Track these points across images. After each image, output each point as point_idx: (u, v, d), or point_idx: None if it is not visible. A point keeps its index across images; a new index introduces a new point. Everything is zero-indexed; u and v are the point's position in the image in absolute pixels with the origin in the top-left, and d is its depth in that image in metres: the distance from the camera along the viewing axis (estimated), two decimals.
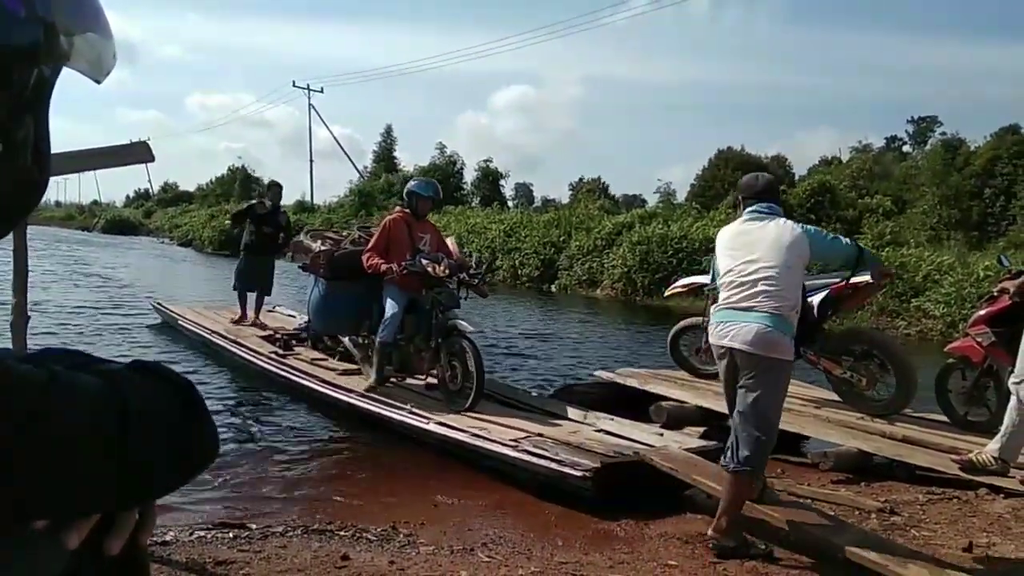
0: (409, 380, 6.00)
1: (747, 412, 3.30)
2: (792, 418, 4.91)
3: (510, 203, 37.13)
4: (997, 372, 4.80)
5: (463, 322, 5.38)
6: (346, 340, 6.49)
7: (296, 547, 3.28)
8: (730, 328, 3.35)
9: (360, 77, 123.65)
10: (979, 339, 4.81)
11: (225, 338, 7.72)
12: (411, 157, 48.26)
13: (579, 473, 4.00)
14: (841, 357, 5.27)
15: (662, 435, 4.85)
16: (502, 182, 38.22)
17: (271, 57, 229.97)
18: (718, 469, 3.77)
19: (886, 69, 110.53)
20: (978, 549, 3.40)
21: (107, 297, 12.89)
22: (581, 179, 42.89)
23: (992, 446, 4.07)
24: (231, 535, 3.37)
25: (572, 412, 5.34)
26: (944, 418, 5.22)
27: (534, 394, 6.29)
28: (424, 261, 5.44)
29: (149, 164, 3.20)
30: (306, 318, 7.66)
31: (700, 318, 6.20)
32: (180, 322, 8.92)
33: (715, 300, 3.62)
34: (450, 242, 6.08)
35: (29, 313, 2.60)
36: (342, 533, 3.52)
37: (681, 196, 35.11)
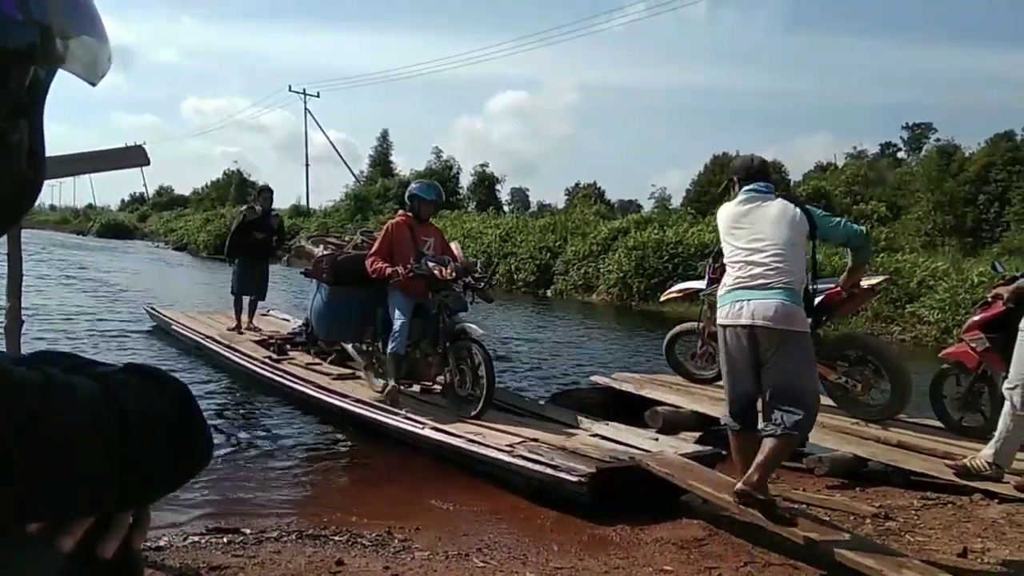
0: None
1: (783, 385, 3.33)
2: None
3: (506, 208, 37.18)
4: (991, 378, 4.81)
5: (472, 325, 5.31)
6: (349, 347, 6.39)
7: (290, 552, 3.27)
8: (748, 306, 3.36)
9: (356, 82, 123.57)
10: (973, 345, 4.82)
11: (219, 343, 7.70)
12: (407, 162, 48.20)
13: (575, 478, 3.99)
14: (836, 363, 5.28)
15: (658, 440, 4.85)
16: (498, 187, 38.42)
17: (267, 62, 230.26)
18: (714, 474, 3.76)
19: (882, 75, 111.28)
20: (973, 554, 3.41)
21: (101, 302, 12.84)
22: (577, 184, 43.14)
23: (987, 451, 4.07)
24: (225, 540, 3.36)
25: (567, 417, 5.33)
26: (939, 423, 5.23)
27: (529, 399, 6.27)
28: (430, 264, 5.32)
29: (144, 168, 3.20)
30: (300, 322, 7.65)
31: (696, 323, 6.22)
32: (174, 327, 8.90)
33: (713, 280, 3.65)
34: (454, 246, 5.97)
35: (23, 317, 2.60)
36: (337, 538, 3.51)
37: (676, 201, 35.38)
